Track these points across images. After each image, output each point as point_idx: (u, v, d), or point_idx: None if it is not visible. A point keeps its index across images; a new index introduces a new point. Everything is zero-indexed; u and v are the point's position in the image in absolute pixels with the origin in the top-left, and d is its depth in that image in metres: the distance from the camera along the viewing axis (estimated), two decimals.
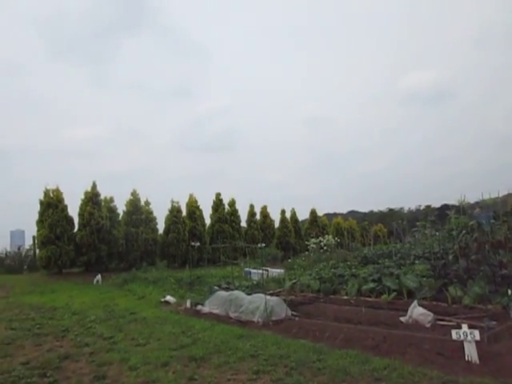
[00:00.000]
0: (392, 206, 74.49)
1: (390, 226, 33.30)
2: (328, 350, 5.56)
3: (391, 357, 5.16)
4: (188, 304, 9.57)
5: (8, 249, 20.37)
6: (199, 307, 9.22)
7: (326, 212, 47.21)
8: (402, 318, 6.97)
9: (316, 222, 29.91)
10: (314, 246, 23.26)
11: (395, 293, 8.96)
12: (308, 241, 25.00)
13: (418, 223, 16.99)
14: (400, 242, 20.68)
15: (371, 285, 9.57)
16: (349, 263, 14.24)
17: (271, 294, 9.22)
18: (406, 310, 7.04)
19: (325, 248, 22.70)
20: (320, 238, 24.09)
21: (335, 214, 45.38)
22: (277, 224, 27.59)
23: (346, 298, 9.67)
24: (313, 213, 30.45)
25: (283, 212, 28.02)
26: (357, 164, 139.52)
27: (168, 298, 10.62)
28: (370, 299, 9.21)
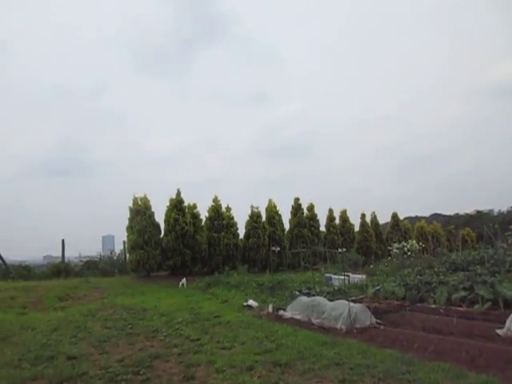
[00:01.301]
0: (480, 208, 69.15)
1: (479, 229, 31.06)
2: (417, 362, 5.29)
3: (488, 373, 4.78)
4: (270, 309, 9.63)
5: (101, 253, 21.92)
6: (281, 312, 9.24)
7: (407, 215, 45.20)
8: (498, 331, 6.45)
9: (398, 226, 28.75)
10: (397, 251, 22.36)
11: (490, 302, 8.33)
12: (390, 246, 24.10)
13: (511, 226, 15.68)
14: (491, 246, 19.18)
15: (462, 293, 8.98)
16: (436, 270, 13.48)
17: (354, 301, 8.99)
18: (503, 322, 6.51)
19: (408, 253, 21.73)
20: (403, 243, 23.11)
21: (417, 218, 43.29)
22: (357, 228, 26.93)
23: (434, 306, 9.16)
24: (394, 216, 29.31)
25: (363, 216, 27.30)
26: (441, 165, 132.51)
27: (250, 302, 10.76)
28: (461, 309, 8.64)
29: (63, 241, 18.35)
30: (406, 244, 22.77)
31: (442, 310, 8.69)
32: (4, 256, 18.72)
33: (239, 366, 5.55)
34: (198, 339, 7.27)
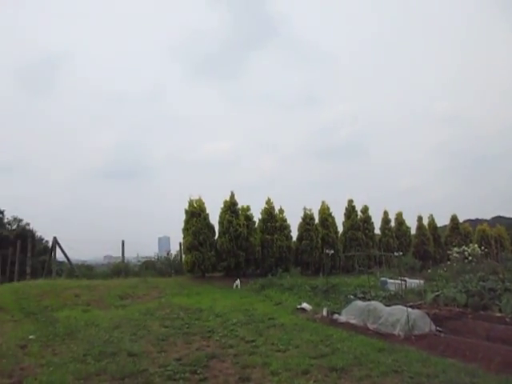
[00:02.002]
0: None
1: None
2: (483, 374, 5.04)
3: None
4: (324, 312, 9.53)
5: (158, 254, 22.61)
6: (335, 316, 9.12)
7: (467, 218, 43.05)
8: None
9: (457, 229, 27.43)
10: (457, 255, 21.35)
11: None
12: (449, 250, 23.07)
13: None
14: None
15: None
16: (500, 276, 12.76)
17: (411, 307, 8.70)
18: None
19: (469, 258, 20.70)
20: (463, 247, 22.04)
21: (478, 220, 41.10)
22: (413, 231, 26.00)
23: (499, 315, 8.68)
24: (454, 219, 28.00)
25: (420, 218, 26.32)
26: (503, 165, 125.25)
27: (304, 305, 10.70)
28: None
29: (123, 242, 19.10)
30: (466, 248, 21.72)
31: (508, 319, 8.22)
32: (69, 255, 19.81)
33: (294, 369, 5.54)
34: (253, 341, 7.33)
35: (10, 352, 6.77)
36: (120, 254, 20.04)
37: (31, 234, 31.94)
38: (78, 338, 7.85)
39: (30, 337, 7.99)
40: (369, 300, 9.87)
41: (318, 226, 20.12)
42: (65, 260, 20.68)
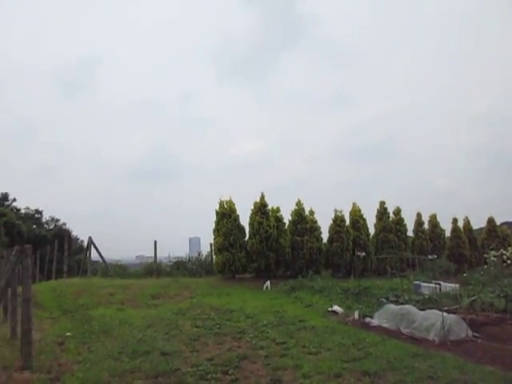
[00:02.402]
0: None
1: None
2: None
3: None
4: (356, 315, 9.41)
5: (187, 254, 22.87)
6: (367, 319, 8.98)
7: (504, 220, 41.54)
8: None
9: (495, 232, 26.51)
10: (494, 259, 20.67)
11: None
12: (486, 253, 22.35)
13: None
14: None
15: None
16: None
17: (446, 311, 8.46)
18: None
19: (508, 262, 20.00)
20: (502, 251, 21.31)
21: None
22: (447, 234, 25.33)
23: None
24: (490, 221, 27.08)
25: (455, 221, 25.60)
26: None
27: (335, 307, 10.59)
28: None
29: (155, 242, 19.43)
30: (505, 252, 21.00)
31: None
32: (103, 255, 20.31)
33: (326, 372, 5.49)
34: (284, 343, 7.31)
35: (48, 348, 7.00)
36: (152, 254, 20.41)
37: (67, 233, 32.91)
38: (113, 336, 8.04)
39: (67, 334, 8.24)
40: (402, 304, 9.67)
41: (348, 228, 19.88)
42: (99, 259, 21.22)
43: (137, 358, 6.40)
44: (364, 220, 20.85)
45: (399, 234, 21.77)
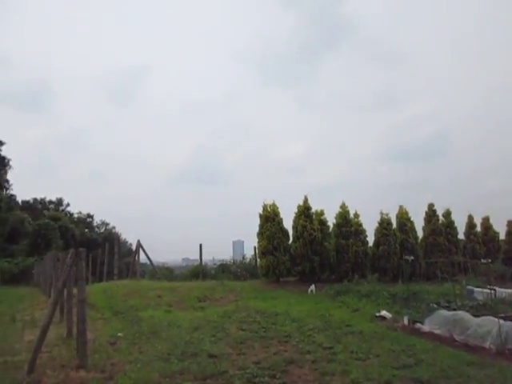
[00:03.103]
0: None
1: None
2: None
3: None
4: (405, 321, 9.15)
5: (231, 257, 23.11)
6: (418, 325, 8.72)
7: None
8: None
9: None
10: None
11: None
12: None
13: None
14: None
15: None
16: None
17: (503, 318, 8.08)
18: None
19: None
20: None
21: None
22: (502, 236, 24.18)
23: None
24: None
25: (510, 223, 24.41)
26: None
27: (383, 312, 10.36)
28: None
29: (201, 245, 19.73)
30: None
31: None
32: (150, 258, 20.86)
33: (376, 379, 5.38)
34: (331, 347, 7.22)
35: (101, 348, 7.27)
36: (196, 257, 20.76)
37: (117, 236, 34.07)
38: (162, 338, 8.23)
39: (119, 334, 8.51)
40: (454, 310, 9.33)
41: (395, 231, 19.39)
42: (147, 262, 21.82)
43: (185, 360, 6.51)
44: (411, 223, 20.28)
45: (449, 237, 20.98)
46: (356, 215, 19.15)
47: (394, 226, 19.70)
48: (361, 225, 19.05)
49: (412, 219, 20.42)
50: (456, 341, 7.47)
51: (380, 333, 8.41)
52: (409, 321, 9.10)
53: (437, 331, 8.13)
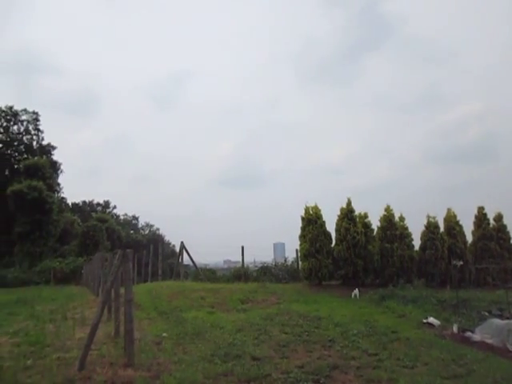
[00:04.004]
0: None
1: None
2: None
3: None
4: (455, 329, 8.80)
5: (271, 259, 23.10)
6: (468, 334, 8.37)
7: None
8: None
9: None
10: None
11: None
12: None
13: None
14: None
15: None
16: None
17: None
18: None
19: None
20: None
21: None
22: None
23: None
24: None
25: None
26: None
27: (431, 319, 10.00)
28: None
29: (243, 247, 19.86)
30: None
31: None
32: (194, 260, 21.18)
33: None
34: (376, 354, 7.05)
35: (147, 347, 7.42)
36: (238, 259, 20.90)
37: (161, 238, 34.89)
38: (205, 339, 8.31)
39: (163, 334, 8.67)
40: (508, 318, 8.89)
41: (443, 235, 18.73)
42: (190, 263, 22.17)
43: (229, 362, 6.54)
44: (460, 227, 19.52)
45: (501, 242, 20.03)
46: (401, 218, 18.67)
47: (442, 229, 19.04)
48: (406, 228, 18.55)
49: (460, 223, 19.66)
50: (510, 351, 7.12)
51: (428, 340, 8.12)
52: (458, 329, 8.75)
53: (489, 341, 7.77)
